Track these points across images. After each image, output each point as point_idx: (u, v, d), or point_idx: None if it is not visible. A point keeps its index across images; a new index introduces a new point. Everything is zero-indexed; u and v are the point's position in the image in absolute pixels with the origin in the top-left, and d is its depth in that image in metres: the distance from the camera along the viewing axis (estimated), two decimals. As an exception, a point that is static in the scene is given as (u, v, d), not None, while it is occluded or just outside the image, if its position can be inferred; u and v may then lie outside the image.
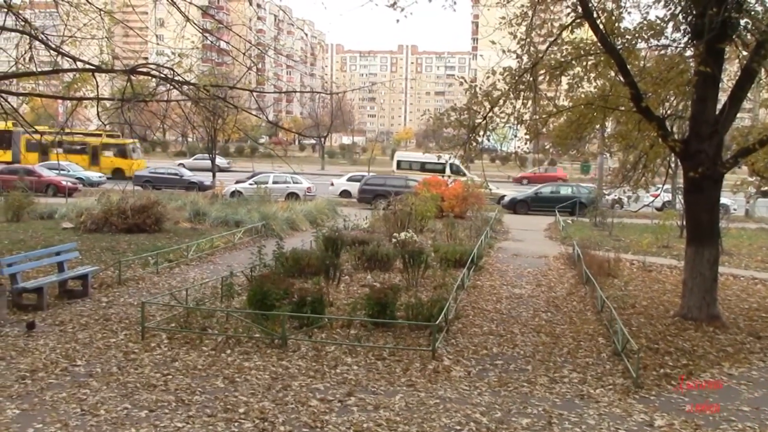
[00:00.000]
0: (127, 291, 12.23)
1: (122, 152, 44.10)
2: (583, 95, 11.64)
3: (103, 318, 10.32)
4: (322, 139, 71.25)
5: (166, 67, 10.42)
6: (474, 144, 11.62)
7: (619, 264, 15.94)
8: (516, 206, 31.36)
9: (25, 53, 10.56)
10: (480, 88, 11.38)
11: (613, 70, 10.86)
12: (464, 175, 29.65)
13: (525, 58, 10.97)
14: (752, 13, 10.27)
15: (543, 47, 11.20)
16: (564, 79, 11.60)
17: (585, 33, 11.10)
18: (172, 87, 10.76)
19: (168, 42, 12.23)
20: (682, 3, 10.56)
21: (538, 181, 47.18)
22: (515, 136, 12.70)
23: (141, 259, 14.45)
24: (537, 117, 11.57)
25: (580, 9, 10.31)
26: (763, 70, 11.21)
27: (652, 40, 10.94)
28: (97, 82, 11.02)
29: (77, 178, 34.76)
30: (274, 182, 32.06)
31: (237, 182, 33.81)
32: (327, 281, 12.32)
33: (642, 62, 11.30)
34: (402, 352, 8.89)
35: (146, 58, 17.09)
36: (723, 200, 14.84)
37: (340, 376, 7.95)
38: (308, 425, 6.53)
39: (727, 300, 12.98)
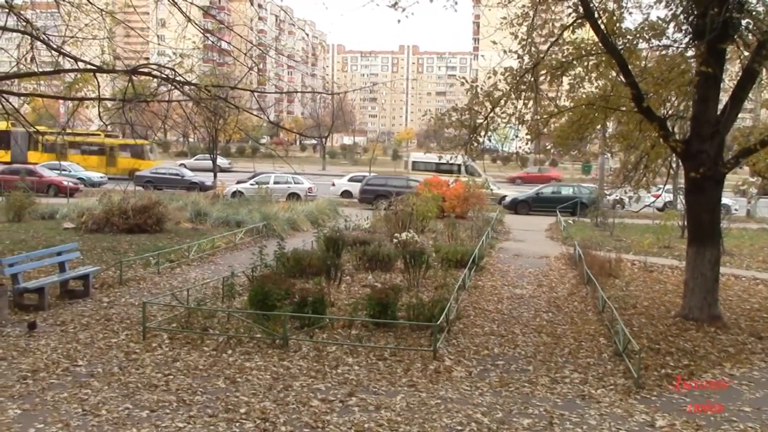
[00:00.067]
0: (129, 291, 12.24)
1: (139, 153, 44.00)
2: (584, 95, 11.62)
3: (105, 318, 10.32)
4: (323, 140, 71.30)
5: (168, 68, 10.42)
6: (475, 144, 11.63)
7: (620, 264, 15.92)
8: (517, 206, 31.38)
9: (26, 53, 10.59)
10: (481, 89, 11.38)
11: (615, 70, 10.86)
12: (479, 176, 29.77)
13: (526, 58, 10.95)
14: (753, 13, 10.25)
15: (544, 47, 11.17)
16: (565, 80, 11.59)
17: (586, 33, 11.09)
18: (173, 87, 10.75)
19: (169, 42, 12.24)
20: (684, 3, 10.55)
21: (531, 180, 47.35)
22: (516, 137, 12.69)
23: (142, 259, 14.46)
24: (538, 117, 11.57)
25: (581, 9, 10.30)
26: (764, 70, 11.21)
27: (653, 40, 10.92)
28: (98, 83, 11.04)
29: (78, 179, 34.79)
30: (276, 182, 32.04)
31: (238, 182, 33.76)
32: (328, 281, 12.31)
33: (643, 62, 11.29)
34: (403, 353, 8.89)
35: (147, 59, 17.11)
36: (724, 200, 14.84)
37: (341, 377, 7.95)
38: (309, 425, 6.54)
39: (729, 300, 12.97)
